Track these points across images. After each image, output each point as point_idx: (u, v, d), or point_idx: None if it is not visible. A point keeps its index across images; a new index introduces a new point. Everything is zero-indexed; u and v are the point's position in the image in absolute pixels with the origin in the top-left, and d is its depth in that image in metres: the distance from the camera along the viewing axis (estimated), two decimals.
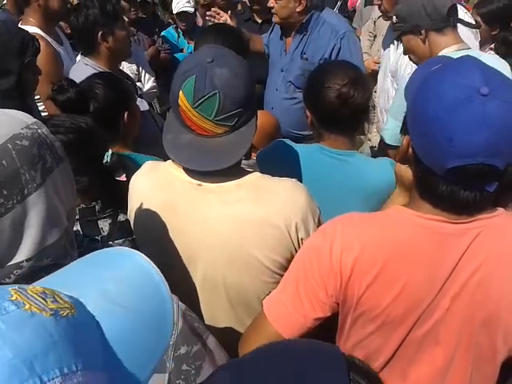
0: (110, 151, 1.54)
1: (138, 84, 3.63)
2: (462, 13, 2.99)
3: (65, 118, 1.55)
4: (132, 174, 1.57)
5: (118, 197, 1.58)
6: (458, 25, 2.31)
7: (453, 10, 2.22)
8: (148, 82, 3.70)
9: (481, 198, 1.08)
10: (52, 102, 1.90)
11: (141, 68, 3.67)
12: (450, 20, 2.20)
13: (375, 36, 4.36)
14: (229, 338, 1.40)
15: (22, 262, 0.87)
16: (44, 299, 0.54)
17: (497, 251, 1.11)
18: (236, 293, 1.43)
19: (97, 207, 1.57)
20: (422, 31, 2.21)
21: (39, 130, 0.92)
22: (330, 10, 3.31)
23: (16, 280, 0.87)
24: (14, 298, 0.52)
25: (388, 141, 2.45)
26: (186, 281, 1.43)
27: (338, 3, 4.22)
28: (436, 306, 1.14)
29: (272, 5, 3.08)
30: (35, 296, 0.54)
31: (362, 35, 4.30)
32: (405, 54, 2.44)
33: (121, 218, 1.62)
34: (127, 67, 3.54)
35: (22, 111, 0.95)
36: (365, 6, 4.74)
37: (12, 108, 0.95)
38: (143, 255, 0.70)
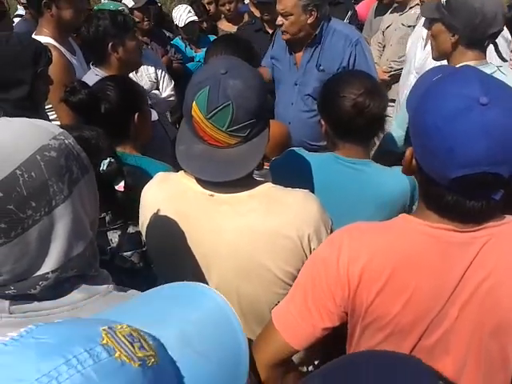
0: (108, 159, 1.52)
1: (156, 92, 3.63)
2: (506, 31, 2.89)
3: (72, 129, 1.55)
4: (138, 181, 1.56)
5: (127, 208, 1.57)
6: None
7: (496, 34, 2.17)
8: (166, 90, 3.69)
9: (487, 206, 1.07)
10: (64, 103, 1.92)
11: (159, 75, 3.66)
12: (486, 41, 2.17)
13: (384, 46, 4.36)
14: None
15: (48, 273, 0.87)
16: (132, 344, 0.54)
17: (505, 259, 1.10)
18: (248, 303, 1.42)
19: (107, 218, 1.57)
20: (456, 36, 2.17)
21: (66, 141, 0.91)
22: (336, 19, 3.26)
23: (41, 291, 0.87)
24: (104, 341, 0.52)
25: (386, 145, 2.45)
26: None
27: (349, 13, 4.19)
28: (445, 315, 1.13)
29: (281, 23, 2.99)
30: (123, 340, 0.54)
31: (372, 45, 4.29)
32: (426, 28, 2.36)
33: (130, 229, 1.62)
34: (146, 74, 3.55)
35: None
36: (375, 17, 4.73)
37: (24, 117, 0.95)
38: (221, 295, 0.70)
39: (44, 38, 2.77)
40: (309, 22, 2.96)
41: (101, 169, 1.47)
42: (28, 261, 0.85)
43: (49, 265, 0.87)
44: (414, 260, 1.13)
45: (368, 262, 1.15)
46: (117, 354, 0.51)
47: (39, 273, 0.86)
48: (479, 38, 2.16)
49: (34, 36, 2.79)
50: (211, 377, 0.62)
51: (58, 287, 0.89)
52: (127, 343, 0.53)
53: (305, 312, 1.21)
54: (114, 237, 1.57)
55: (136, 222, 1.59)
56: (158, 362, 0.55)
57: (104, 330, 0.54)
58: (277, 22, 3.04)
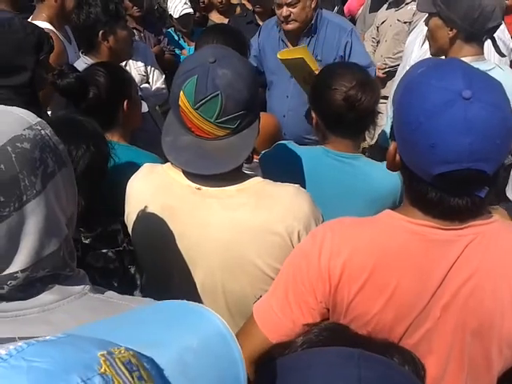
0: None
1: (147, 85, 3.56)
2: (503, 27, 2.89)
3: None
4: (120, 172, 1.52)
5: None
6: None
7: (495, 28, 2.15)
8: (156, 83, 3.61)
9: (472, 204, 1.05)
10: (52, 86, 1.88)
11: (149, 68, 3.57)
12: (484, 36, 2.15)
13: (378, 42, 4.33)
14: None
15: (17, 272, 0.82)
16: (130, 374, 0.50)
17: (490, 259, 1.08)
18: (235, 300, 1.39)
19: None
20: (454, 30, 2.13)
21: (43, 132, 0.86)
22: (327, 10, 3.31)
23: (10, 291, 0.82)
24: (103, 369, 0.49)
25: (380, 142, 2.44)
26: (185, 287, 1.40)
27: (336, 8, 4.18)
28: (427, 315, 1.11)
29: (288, 13, 2.97)
30: (122, 369, 0.50)
31: (366, 41, 4.27)
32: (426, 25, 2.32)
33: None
34: (134, 68, 3.48)
35: (34, 107, 0.90)
36: (369, 11, 4.71)
37: (24, 104, 0.89)
38: (223, 320, 0.66)
39: (42, 23, 2.71)
40: (313, 6, 3.01)
41: None
42: None
43: (18, 264, 0.81)
44: (397, 257, 1.10)
45: (349, 258, 1.12)
46: None
47: (7, 272, 0.81)
48: (477, 33, 2.12)
49: (31, 20, 2.74)
50: None
51: (28, 287, 0.84)
52: (126, 372, 0.50)
53: (285, 307, 1.18)
54: None
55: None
56: None
57: (102, 355, 0.50)
58: (283, 14, 3.01)
